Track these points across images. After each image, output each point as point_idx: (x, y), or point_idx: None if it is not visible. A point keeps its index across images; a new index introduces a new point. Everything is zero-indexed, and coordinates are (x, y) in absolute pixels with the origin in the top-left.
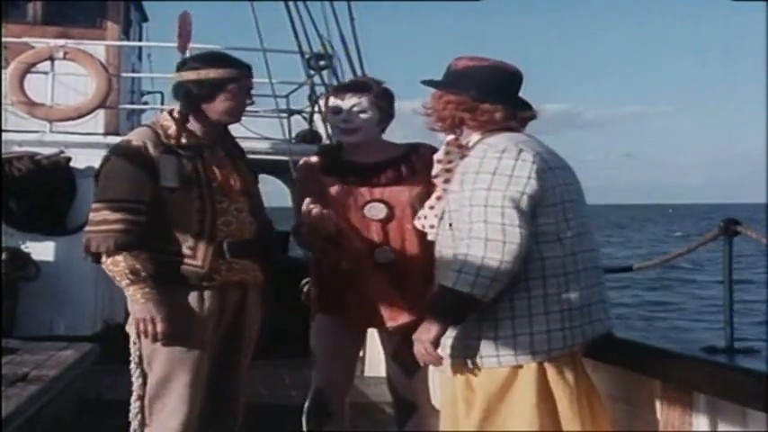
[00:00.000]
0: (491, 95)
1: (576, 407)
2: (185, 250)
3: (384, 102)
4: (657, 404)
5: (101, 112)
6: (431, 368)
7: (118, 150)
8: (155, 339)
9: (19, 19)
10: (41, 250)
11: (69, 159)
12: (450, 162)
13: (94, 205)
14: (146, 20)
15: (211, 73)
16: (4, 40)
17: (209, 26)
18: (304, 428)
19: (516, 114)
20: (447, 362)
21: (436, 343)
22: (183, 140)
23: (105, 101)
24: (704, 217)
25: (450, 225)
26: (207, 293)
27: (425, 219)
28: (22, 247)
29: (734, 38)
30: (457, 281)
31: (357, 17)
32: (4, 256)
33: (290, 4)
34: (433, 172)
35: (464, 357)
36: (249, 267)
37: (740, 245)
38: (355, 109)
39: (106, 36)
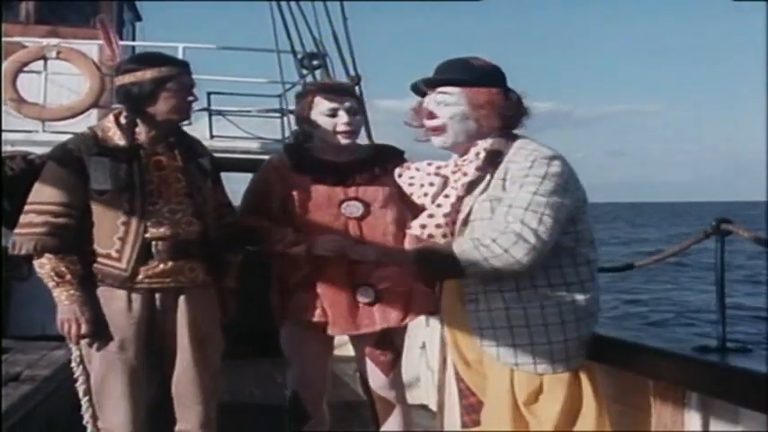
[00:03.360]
0: (512, 92)
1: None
2: (113, 253)
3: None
4: (650, 403)
5: (94, 112)
6: (427, 369)
7: (52, 154)
8: (77, 340)
9: (12, 18)
10: None
11: None
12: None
13: (25, 208)
14: (139, 19)
15: (148, 74)
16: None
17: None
18: (286, 429)
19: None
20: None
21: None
22: (120, 143)
23: (98, 100)
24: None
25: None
26: (134, 296)
27: (424, 228)
28: None
29: (726, 37)
30: (463, 251)
31: (350, 17)
32: None
33: (283, 3)
34: (468, 179)
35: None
36: (185, 268)
37: (732, 243)
38: (352, 111)
39: (99, 36)
